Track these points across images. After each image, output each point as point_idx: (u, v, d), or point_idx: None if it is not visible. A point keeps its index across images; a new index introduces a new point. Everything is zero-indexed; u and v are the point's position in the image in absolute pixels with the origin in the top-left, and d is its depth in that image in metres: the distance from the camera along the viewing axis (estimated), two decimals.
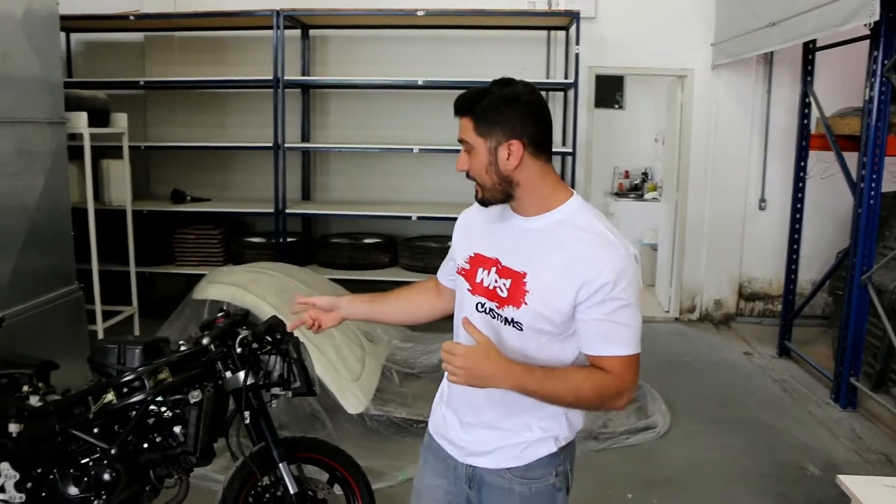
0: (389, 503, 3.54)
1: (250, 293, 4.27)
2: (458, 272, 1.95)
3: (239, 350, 2.80)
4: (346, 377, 4.32)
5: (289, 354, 2.83)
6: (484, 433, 1.94)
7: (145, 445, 2.90)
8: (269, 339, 2.86)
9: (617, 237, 1.77)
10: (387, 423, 4.47)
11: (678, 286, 7.48)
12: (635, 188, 9.60)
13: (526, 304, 1.77)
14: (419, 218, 6.53)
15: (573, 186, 6.39)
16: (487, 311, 1.84)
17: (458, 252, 1.98)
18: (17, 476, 2.91)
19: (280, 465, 2.89)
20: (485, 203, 1.85)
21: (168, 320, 4.61)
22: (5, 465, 2.92)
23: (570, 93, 6.72)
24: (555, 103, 7.12)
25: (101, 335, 5.50)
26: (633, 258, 1.76)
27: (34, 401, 2.94)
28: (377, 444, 4.31)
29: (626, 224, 9.07)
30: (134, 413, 2.84)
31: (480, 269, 1.86)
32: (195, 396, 2.81)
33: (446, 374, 1.81)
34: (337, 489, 3.14)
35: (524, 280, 1.77)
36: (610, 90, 9.36)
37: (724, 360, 6.28)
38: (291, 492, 2.89)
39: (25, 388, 2.97)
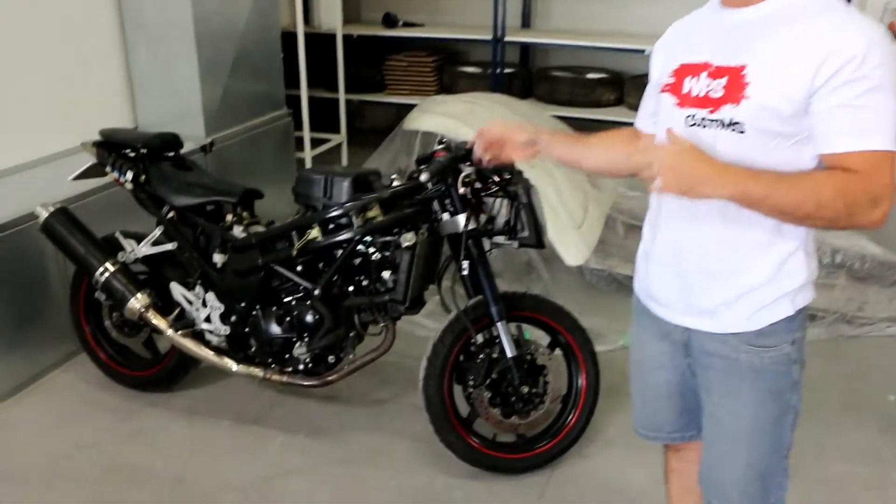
0: (609, 369, 3.11)
1: (466, 125, 3.85)
2: (661, 91, 1.65)
3: (461, 190, 2.45)
4: (567, 224, 3.88)
5: (517, 198, 2.44)
6: (700, 287, 1.61)
7: (350, 289, 2.69)
8: (496, 179, 2.46)
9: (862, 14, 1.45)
10: (608, 278, 4.04)
11: None
12: None
13: (746, 97, 1.45)
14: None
15: None
16: (700, 121, 1.53)
17: (659, 74, 1.70)
18: (222, 308, 2.84)
19: (498, 324, 2.57)
20: None
21: (377, 151, 4.38)
22: (211, 296, 2.85)
23: None
24: None
25: (308, 163, 5.45)
26: (886, 35, 1.41)
27: (238, 231, 2.79)
28: (596, 300, 3.90)
29: None
30: (339, 252, 2.61)
31: (688, 79, 1.58)
32: (408, 239, 2.52)
33: (647, 222, 1.72)
34: (557, 353, 2.78)
35: (742, 73, 1.47)
36: None
37: None
38: (509, 355, 2.59)
39: (229, 217, 2.81)
